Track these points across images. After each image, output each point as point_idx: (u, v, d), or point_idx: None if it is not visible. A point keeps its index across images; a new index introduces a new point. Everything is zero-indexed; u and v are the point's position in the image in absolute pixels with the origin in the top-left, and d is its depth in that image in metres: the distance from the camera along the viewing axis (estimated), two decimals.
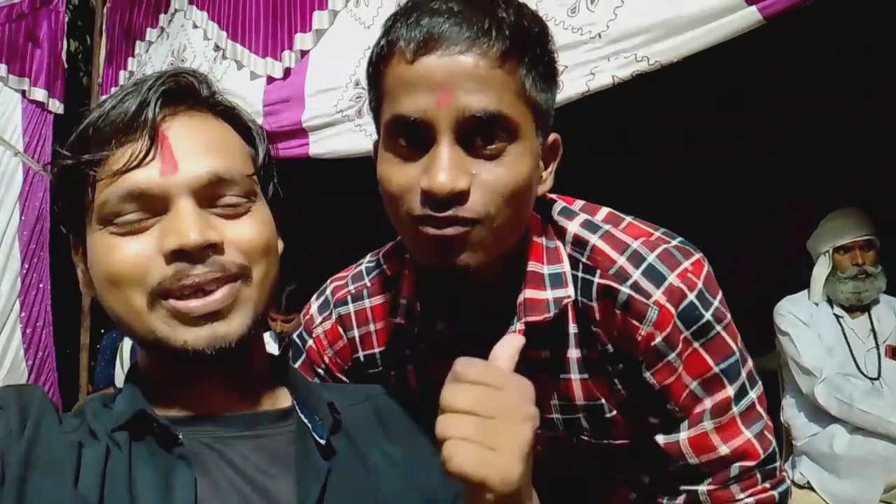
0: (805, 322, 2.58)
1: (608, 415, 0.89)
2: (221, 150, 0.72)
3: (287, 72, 2.67)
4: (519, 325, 0.84)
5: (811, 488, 2.41)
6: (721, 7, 1.62)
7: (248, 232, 0.71)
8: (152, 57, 3.22)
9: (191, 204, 0.68)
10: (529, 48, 0.74)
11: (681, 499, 0.87)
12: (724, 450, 0.84)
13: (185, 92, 0.73)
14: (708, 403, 0.83)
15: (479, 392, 0.59)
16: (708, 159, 3.04)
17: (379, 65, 0.76)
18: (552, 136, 0.83)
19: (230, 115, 0.77)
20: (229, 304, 0.68)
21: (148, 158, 0.67)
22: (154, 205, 0.68)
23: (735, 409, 0.84)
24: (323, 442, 0.71)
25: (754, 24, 1.60)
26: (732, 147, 3.06)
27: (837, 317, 2.59)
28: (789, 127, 2.95)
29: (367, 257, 1.02)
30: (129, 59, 3.32)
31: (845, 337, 2.54)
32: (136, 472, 0.65)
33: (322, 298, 1.01)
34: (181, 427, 0.68)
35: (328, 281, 1.03)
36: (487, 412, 0.58)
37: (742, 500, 0.85)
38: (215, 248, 0.68)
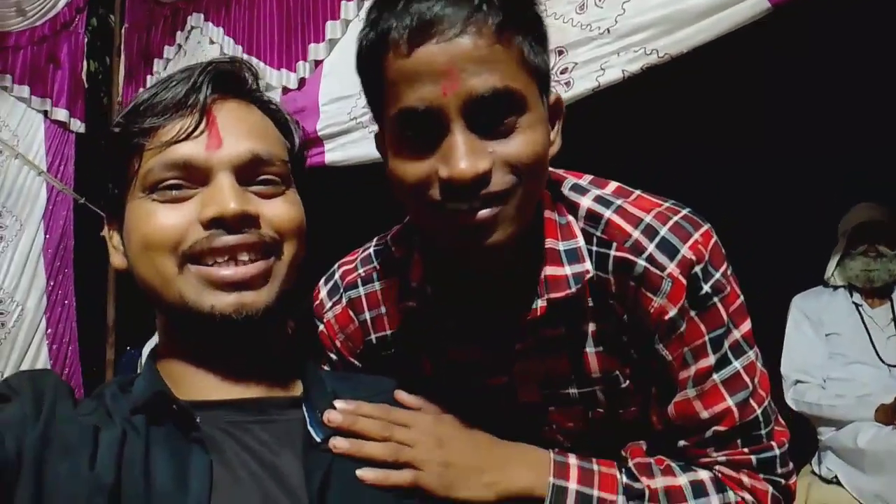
0: (811, 317, 2.60)
1: (623, 385, 0.90)
2: (261, 136, 0.76)
3: (301, 82, 2.72)
4: (541, 303, 0.84)
5: (839, 483, 2.38)
6: None
7: (282, 210, 0.75)
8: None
9: (231, 178, 0.72)
10: (522, 15, 0.74)
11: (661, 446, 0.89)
12: (704, 414, 0.85)
13: (233, 80, 0.78)
14: (692, 370, 0.84)
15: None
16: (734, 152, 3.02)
17: (372, 58, 0.75)
18: (553, 96, 0.82)
19: (269, 108, 0.81)
20: (260, 275, 0.71)
21: (196, 133, 0.72)
22: (197, 176, 0.72)
23: (716, 377, 0.84)
24: (319, 440, 0.72)
25: (762, 13, 1.61)
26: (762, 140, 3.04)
27: (856, 305, 2.59)
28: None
29: (374, 241, 1.02)
30: (148, 77, 3.39)
31: (864, 325, 2.54)
32: (153, 455, 0.66)
33: (331, 283, 1.01)
34: (197, 411, 0.70)
35: (336, 265, 1.03)
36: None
37: (715, 458, 0.86)
38: (251, 220, 0.71)
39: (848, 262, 2.60)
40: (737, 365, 0.85)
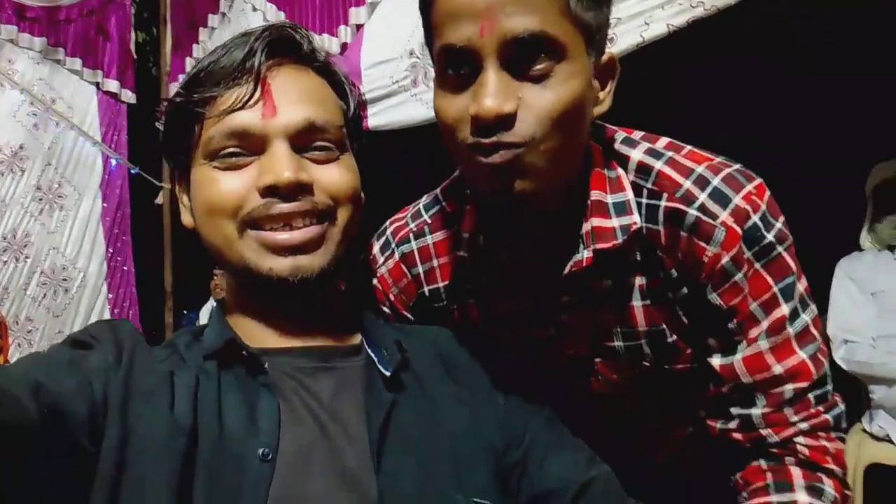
0: (855, 277, 2.57)
1: (669, 340, 0.90)
2: (316, 101, 0.77)
3: (344, 46, 2.73)
4: (587, 254, 0.85)
5: (890, 441, 2.35)
6: None
7: (336, 176, 0.77)
8: (216, 43, 3.33)
9: (286, 146, 0.74)
10: None
11: (734, 423, 0.88)
12: (777, 369, 0.84)
13: (288, 45, 0.79)
14: (765, 325, 0.83)
15: None
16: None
17: None
18: (606, 55, 0.81)
19: (326, 71, 0.82)
20: (315, 240, 0.74)
21: (251, 101, 0.74)
22: (253, 144, 0.74)
23: (790, 329, 0.84)
24: (388, 374, 0.75)
25: None
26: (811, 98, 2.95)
27: None
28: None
29: (423, 198, 1.04)
30: (195, 46, 3.44)
31: None
32: (224, 398, 0.70)
33: (383, 239, 1.03)
34: (264, 358, 0.74)
35: (387, 222, 1.05)
36: None
37: (795, 423, 0.85)
38: (305, 188, 0.73)
39: (877, 227, 2.57)
40: (806, 318, 0.85)
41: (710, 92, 2.72)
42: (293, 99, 0.76)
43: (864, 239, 2.64)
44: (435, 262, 0.99)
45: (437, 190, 1.01)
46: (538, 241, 0.89)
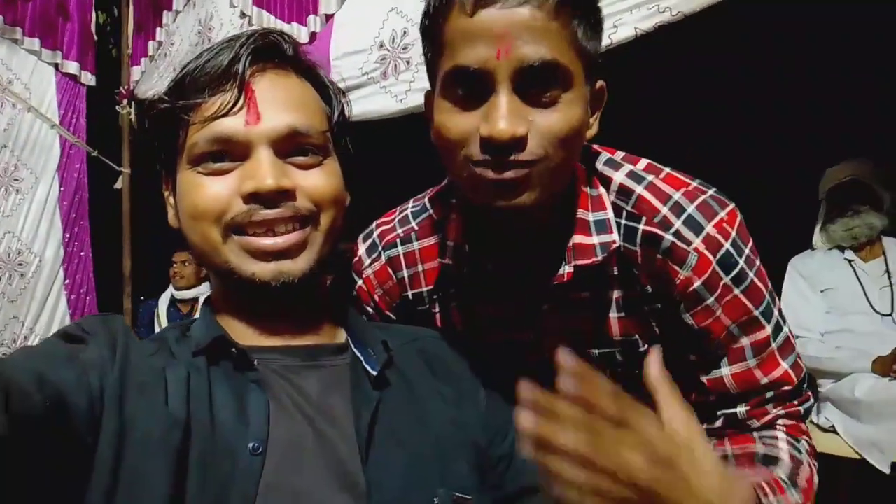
0: (806, 275, 2.70)
1: (641, 349, 0.96)
2: (301, 107, 0.79)
3: (313, 36, 2.70)
4: (568, 269, 0.89)
5: (835, 432, 2.46)
6: None
7: (319, 181, 0.78)
8: (180, 26, 3.27)
9: (269, 153, 0.75)
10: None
11: (719, 422, 0.95)
12: (764, 381, 0.91)
13: (273, 50, 0.80)
14: (746, 342, 0.90)
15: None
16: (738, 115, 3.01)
17: (437, 17, 0.79)
18: (599, 83, 0.86)
19: (311, 75, 0.84)
20: (297, 245, 0.76)
21: (235, 108, 0.75)
22: (237, 151, 0.75)
23: (774, 345, 0.91)
24: (375, 373, 0.78)
25: None
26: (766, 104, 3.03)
27: (849, 261, 2.69)
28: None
29: (411, 202, 1.07)
30: (158, 30, 3.38)
31: (858, 278, 2.64)
32: (215, 393, 0.72)
33: (369, 241, 1.06)
34: (253, 355, 0.76)
35: (373, 224, 1.08)
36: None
37: (774, 413, 0.93)
38: (288, 194, 0.75)
39: (830, 227, 2.70)
40: (786, 329, 0.92)
41: (671, 94, 2.78)
42: (277, 105, 0.77)
43: (817, 238, 2.75)
44: (420, 268, 1.02)
45: (426, 197, 1.04)
46: (523, 253, 0.93)
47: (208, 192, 0.75)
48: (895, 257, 2.64)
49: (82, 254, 3.69)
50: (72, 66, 3.53)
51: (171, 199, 0.83)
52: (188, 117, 0.77)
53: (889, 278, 2.60)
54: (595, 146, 0.95)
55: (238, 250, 0.75)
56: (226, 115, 0.75)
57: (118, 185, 3.62)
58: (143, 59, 3.49)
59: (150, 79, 3.42)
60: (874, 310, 2.57)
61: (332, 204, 0.80)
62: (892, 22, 2.56)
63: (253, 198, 0.74)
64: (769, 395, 0.92)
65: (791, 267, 2.77)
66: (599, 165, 0.93)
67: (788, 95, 2.97)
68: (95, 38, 3.65)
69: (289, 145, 0.77)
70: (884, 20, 2.57)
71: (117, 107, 3.60)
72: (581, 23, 0.77)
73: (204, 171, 0.76)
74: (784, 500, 0.87)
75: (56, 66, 3.52)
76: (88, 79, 3.60)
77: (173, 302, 4.04)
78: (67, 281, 3.64)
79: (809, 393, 0.96)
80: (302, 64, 0.83)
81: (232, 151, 0.76)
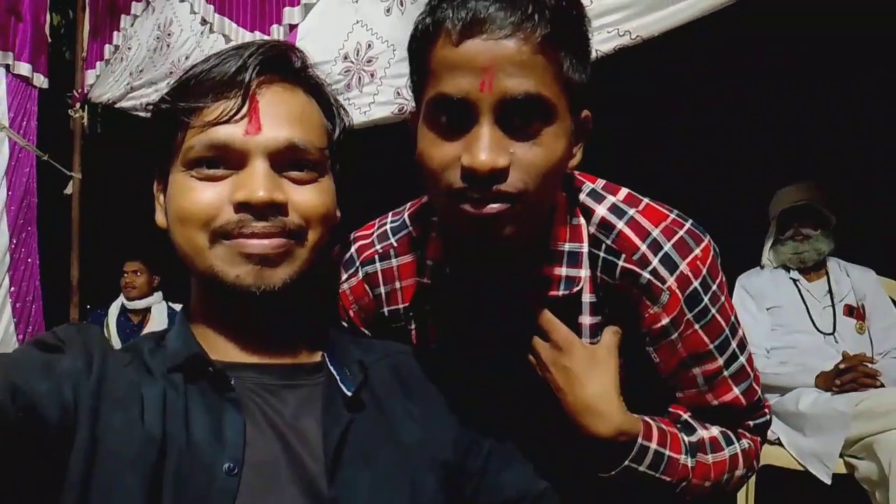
0: (752, 293, 2.80)
1: None
2: (302, 122, 0.79)
3: None
4: (538, 295, 0.91)
5: (780, 444, 2.53)
6: None
7: (312, 199, 0.78)
8: (138, 31, 3.22)
9: (265, 165, 0.75)
10: (569, 32, 0.76)
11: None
12: (714, 403, 0.95)
13: (281, 62, 0.80)
14: (698, 371, 0.93)
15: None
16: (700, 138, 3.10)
17: (424, 43, 0.79)
18: (584, 113, 0.85)
19: (317, 90, 0.84)
20: (280, 254, 0.75)
21: (237, 116, 0.75)
22: (233, 159, 0.75)
23: (726, 373, 0.94)
24: (350, 394, 0.77)
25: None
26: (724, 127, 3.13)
27: (794, 280, 2.80)
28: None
29: (389, 217, 1.06)
30: (115, 34, 3.32)
31: (802, 298, 2.74)
32: (191, 411, 0.71)
33: (347, 256, 1.05)
34: (230, 373, 0.75)
35: (352, 236, 1.07)
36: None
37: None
38: (279, 208, 0.75)
39: (779, 248, 2.81)
40: (742, 359, 0.95)
41: (633, 113, 2.84)
42: (279, 118, 0.77)
43: (766, 257, 2.85)
44: (398, 285, 1.02)
45: (405, 213, 1.04)
46: (500, 277, 0.94)
47: (199, 197, 0.75)
48: (837, 278, 2.76)
49: (29, 260, 3.58)
50: (24, 68, 3.43)
51: (161, 199, 0.82)
52: (188, 120, 0.76)
53: (831, 298, 2.72)
54: (577, 173, 0.96)
55: (224, 255, 0.74)
56: (227, 122, 0.74)
57: (68, 190, 3.53)
58: (97, 63, 3.43)
59: (105, 83, 3.36)
60: (817, 328, 2.67)
61: (321, 222, 0.79)
62: (827, 46, 2.69)
63: (244, 207, 0.73)
64: (720, 413, 0.96)
65: (739, 284, 2.85)
66: (582, 196, 0.94)
67: (738, 115, 3.08)
68: (49, 40, 3.57)
69: (286, 159, 0.77)
70: (823, 45, 2.70)
71: (70, 110, 3.53)
72: (568, 55, 0.76)
73: (197, 176, 0.75)
74: (670, 455, 0.90)
75: (7, 66, 3.42)
76: (41, 81, 3.51)
77: (123, 311, 3.94)
78: (13, 288, 3.52)
79: (766, 409, 0.99)
80: (309, 79, 0.83)
81: (228, 159, 0.75)
